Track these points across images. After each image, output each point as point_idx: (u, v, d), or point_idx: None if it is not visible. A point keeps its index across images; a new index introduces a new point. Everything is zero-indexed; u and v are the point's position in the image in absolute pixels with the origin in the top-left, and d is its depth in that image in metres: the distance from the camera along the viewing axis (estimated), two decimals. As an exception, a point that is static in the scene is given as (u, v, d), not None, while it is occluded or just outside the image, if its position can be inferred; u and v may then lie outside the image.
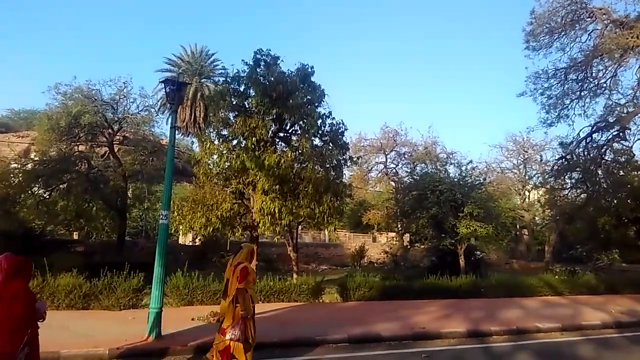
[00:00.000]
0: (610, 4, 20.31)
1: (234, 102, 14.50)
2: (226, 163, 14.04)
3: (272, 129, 14.70)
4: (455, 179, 20.77)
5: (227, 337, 5.95)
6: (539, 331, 10.32)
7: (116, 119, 22.85)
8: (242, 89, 14.65)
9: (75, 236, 28.86)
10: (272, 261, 25.28)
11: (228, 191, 14.62)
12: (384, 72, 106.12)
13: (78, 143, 23.52)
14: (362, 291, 13.70)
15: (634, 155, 22.03)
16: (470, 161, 23.98)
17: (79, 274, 11.25)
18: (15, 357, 4.28)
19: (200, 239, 25.93)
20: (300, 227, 17.92)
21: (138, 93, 23.47)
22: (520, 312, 12.28)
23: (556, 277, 18.43)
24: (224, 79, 15.54)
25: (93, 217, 24.18)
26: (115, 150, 23.81)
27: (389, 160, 41.61)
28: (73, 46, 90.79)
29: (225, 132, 14.52)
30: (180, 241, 30.29)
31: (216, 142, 14.41)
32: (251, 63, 14.25)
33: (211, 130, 15.33)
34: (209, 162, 14.53)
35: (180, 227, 14.06)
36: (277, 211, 12.80)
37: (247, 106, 14.49)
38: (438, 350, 8.56)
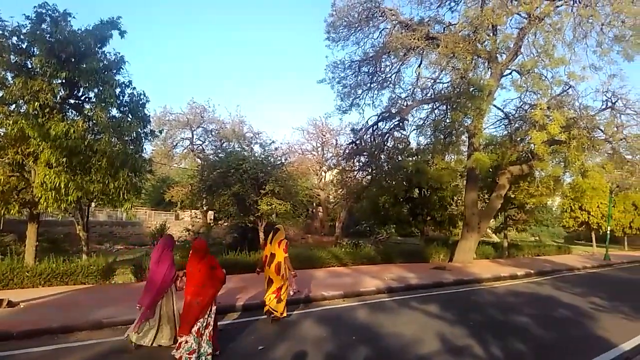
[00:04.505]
0: (399, 7, 22.87)
1: (14, 60, 12.43)
2: (1, 130, 12.12)
3: (60, 94, 13.01)
4: (259, 158, 21.37)
5: (291, 293, 9.37)
6: (325, 299, 11.42)
7: None
8: (24, 46, 12.64)
9: None
10: (58, 241, 22.90)
11: (3, 162, 12.62)
12: (193, 50, 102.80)
13: None
14: (159, 270, 13.32)
15: (410, 143, 25.11)
16: (273, 141, 25.02)
17: None
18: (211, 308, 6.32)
19: (-34, 217, 22.02)
20: (93, 205, 16.48)
21: None
22: (310, 283, 13.37)
23: (342, 249, 20.51)
24: (1, 32, 13.17)
25: None
26: None
27: (195, 136, 40.93)
28: None
29: (0, 94, 12.39)
30: (-58, 219, 25.27)
31: (-11, 104, 12.20)
32: (33, 17, 12.37)
33: (-17, 90, 12.91)
34: (-21, 127, 12.26)
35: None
36: (63, 186, 11.47)
37: (30, 66, 12.60)
38: (230, 322, 8.89)
